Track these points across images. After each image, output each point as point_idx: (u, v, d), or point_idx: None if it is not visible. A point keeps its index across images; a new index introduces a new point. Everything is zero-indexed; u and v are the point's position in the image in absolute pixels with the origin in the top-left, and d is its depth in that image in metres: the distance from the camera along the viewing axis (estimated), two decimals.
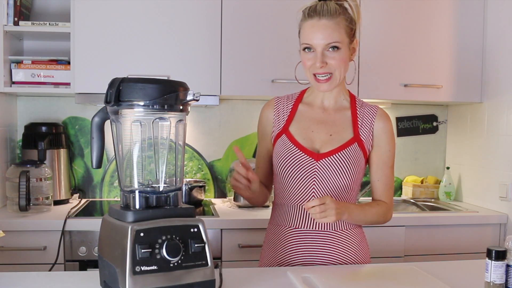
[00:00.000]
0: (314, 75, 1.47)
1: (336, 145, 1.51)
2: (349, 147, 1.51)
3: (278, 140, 1.55)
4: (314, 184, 1.50)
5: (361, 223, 1.57)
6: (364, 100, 1.64)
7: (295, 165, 1.50)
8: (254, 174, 1.45)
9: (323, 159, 1.49)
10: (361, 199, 2.78)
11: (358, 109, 1.57)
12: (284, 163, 1.51)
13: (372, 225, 1.58)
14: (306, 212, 1.50)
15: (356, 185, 1.54)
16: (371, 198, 1.63)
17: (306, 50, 1.48)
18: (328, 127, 1.54)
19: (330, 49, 1.44)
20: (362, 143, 1.53)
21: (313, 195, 1.50)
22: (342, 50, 1.45)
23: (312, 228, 1.51)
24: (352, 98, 1.59)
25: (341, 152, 1.50)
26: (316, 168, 1.49)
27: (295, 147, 1.51)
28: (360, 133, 1.54)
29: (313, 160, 1.49)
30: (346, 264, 1.52)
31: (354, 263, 1.54)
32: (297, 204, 1.52)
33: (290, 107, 1.59)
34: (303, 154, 1.50)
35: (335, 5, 1.45)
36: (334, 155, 1.49)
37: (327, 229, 1.51)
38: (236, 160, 2.75)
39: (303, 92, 1.63)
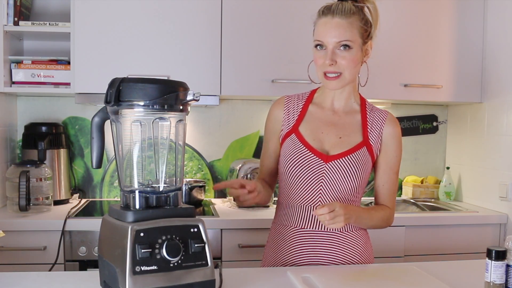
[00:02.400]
0: (324, 73, 1.46)
1: (345, 148, 1.50)
2: (358, 151, 1.51)
3: (287, 140, 1.54)
4: (321, 185, 1.49)
5: (366, 227, 1.57)
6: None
7: (303, 166, 1.50)
8: (252, 183, 1.42)
9: (332, 162, 1.49)
10: (362, 199, 2.78)
11: (368, 113, 1.56)
12: (292, 163, 1.51)
13: (373, 229, 1.59)
14: (311, 212, 1.50)
15: (362, 188, 1.54)
16: (373, 198, 1.63)
17: (318, 47, 1.47)
18: (338, 129, 1.54)
19: (341, 48, 1.43)
20: (370, 147, 1.53)
21: (320, 197, 1.50)
22: (353, 50, 1.44)
23: (318, 229, 1.51)
24: (363, 102, 1.59)
25: (350, 155, 1.49)
26: (324, 170, 1.49)
27: (304, 147, 1.50)
28: (369, 137, 1.54)
29: (322, 161, 1.49)
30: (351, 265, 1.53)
31: (359, 264, 1.54)
32: (303, 205, 1.52)
33: (301, 106, 1.58)
34: (312, 155, 1.49)
35: (351, 6, 1.44)
36: (343, 158, 1.49)
37: (333, 230, 1.51)
38: (236, 160, 2.75)
39: (313, 92, 1.61)
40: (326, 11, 1.45)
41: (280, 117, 1.58)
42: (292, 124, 1.55)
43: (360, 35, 1.45)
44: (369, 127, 1.54)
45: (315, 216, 1.50)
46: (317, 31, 1.47)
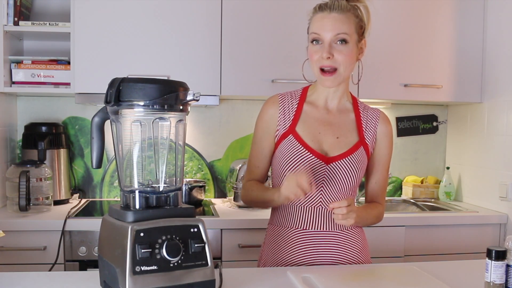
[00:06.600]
0: (321, 69, 1.45)
1: (344, 149, 1.51)
2: (357, 151, 1.51)
3: (284, 140, 1.52)
4: (322, 187, 1.49)
5: (364, 225, 1.58)
6: (364, 100, 1.64)
7: (304, 167, 1.48)
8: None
9: (333, 163, 1.49)
10: (361, 199, 2.78)
11: (361, 112, 1.57)
12: (292, 165, 1.49)
13: (367, 226, 1.61)
14: (310, 213, 1.50)
15: (357, 187, 1.56)
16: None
17: (314, 42, 1.46)
18: (334, 129, 1.53)
19: (338, 42, 1.43)
20: (367, 146, 1.54)
21: (321, 198, 1.50)
22: (350, 45, 1.44)
23: (316, 229, 1.51)
24: (354, 100, 1.59)
25: (350, 156, 1.50)
26: (325, 171, 1.49)
27: (304, 149, 1.49)
28: (365, 136, 1.54)
29: (323, 163, 1.48)
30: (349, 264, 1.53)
31: (357, 263, 1.54)
32: (302, 206, 1.51)
33: (295, 105, 1.56)
34: (313, 156, 1.48)
35: (346, 3, 1.46)
36: (343, 159, 1.49)
37: (330, 229, 1.51)
38: (236, 160, 2.75)
39: (305, 90, 1.60)
40: (323, 6, 1.46)
41: (276, 116, 1.55)
42: (289, 125, 1.53)
43: (356, 31, 1.46)
44: (363, 126, 1.55)
45: (313, 217, 1.50)
46: (314, 25, 1.47)
